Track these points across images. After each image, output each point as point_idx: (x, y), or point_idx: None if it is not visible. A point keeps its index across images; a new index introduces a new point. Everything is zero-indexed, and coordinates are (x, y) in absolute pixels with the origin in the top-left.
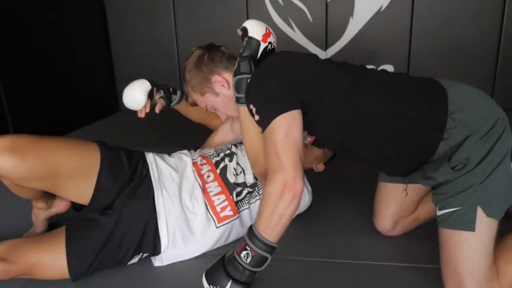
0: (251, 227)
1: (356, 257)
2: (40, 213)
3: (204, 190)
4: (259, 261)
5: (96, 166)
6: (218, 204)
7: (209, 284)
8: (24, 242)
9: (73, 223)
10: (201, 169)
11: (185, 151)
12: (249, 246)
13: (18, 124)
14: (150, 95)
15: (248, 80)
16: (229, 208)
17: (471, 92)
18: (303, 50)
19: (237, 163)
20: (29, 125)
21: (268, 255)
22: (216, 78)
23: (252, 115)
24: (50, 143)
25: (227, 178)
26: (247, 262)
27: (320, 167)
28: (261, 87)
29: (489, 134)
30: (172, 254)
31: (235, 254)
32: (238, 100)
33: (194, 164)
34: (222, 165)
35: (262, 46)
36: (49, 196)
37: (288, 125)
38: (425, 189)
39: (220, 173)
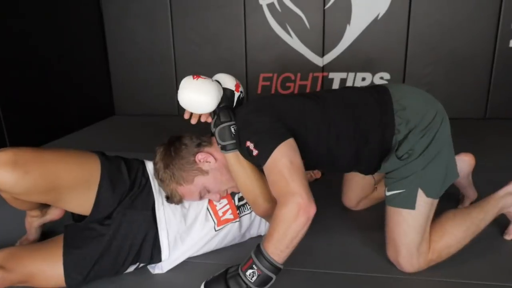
0: (258, 247)
1: (352, 268)
2: (34, 221)
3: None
4: (264, 280)
5: (97, 178)
6: (220, 209)
7: None
8: (22, 250)
9: (71, 231)
10: None
11: None
12: (256, 265)
13: (13, 126)
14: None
15: (231, 127)
16: (230, 211)
17: (410, 91)
18: (300, 56)
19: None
20: (25, 128)
21: (274, 276)
22: (199, 156)
23: (249, 152)
24: (51, 155)
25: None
26: (252, 281)
27: (316, 174)
28: (254, 123)
29: (428, 127)
30: (171, 259)
31: (240, 271)
32: (224, 148)
33: None
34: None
35: (236, 95)
36: (43, 205)
37: (290, 152)
38: (380, 174)
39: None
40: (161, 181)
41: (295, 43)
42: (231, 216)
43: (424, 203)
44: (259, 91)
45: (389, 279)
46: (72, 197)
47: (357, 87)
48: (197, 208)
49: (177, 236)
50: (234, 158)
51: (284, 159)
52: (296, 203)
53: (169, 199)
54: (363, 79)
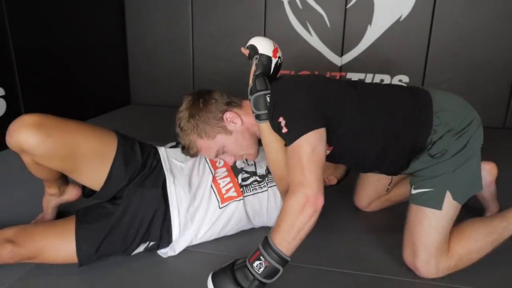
0: (266, 238)
1: (359, 268)
2: (51, 200)
3: (213, 178)
4: (271, 272)
5: (112, 152)
6: (223, 187)
7: (215, 287)
8: (33, 227)
9: (83, 210)
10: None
11: None
12: (263, 256)
13: (31, 112)
14: None
15: (267, 96)
16: (233, 189)
17: (450, 96)
18: (319, 54)
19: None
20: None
21: (281, 268)
22: (227, 115)
23: (279, 128)
24: (73, 125)
25: (235, 164)
26: (259, 272)
27: (332, 180)
28: (291, 100)
29: (465, 130)
30: (182, 240)
31: (247, 262)
32: (258, 117)
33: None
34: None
35: (274, 61)
36: (62, 182)
37: (316, 142)
38: (399, 177)
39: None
40: (181, 130)
41: (314, 41)
42: (235, 194)
43: (450, 205)
44: None
45: (397, 281)
46: (87, 168)
47: (395, 84)
48: (203, 187)
49: (187, 215)
50: (267, 128)
51: (308, 147)
52: (305, 195)
53: (185, 149)
54: (381, 80)
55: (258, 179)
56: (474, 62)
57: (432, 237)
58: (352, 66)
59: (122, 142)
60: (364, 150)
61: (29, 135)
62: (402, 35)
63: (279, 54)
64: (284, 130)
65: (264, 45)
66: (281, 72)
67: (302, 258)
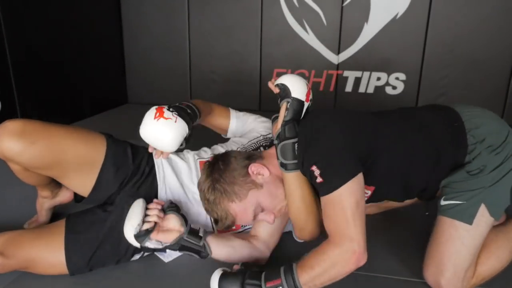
0: (291, 269)
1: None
2: (45, 202)
3: None
4: None
5: (101, 157)
6: None
7: None
8: (22, 236)
9: (73, 217)
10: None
11: (202, 150)
12: None
13: (27, 112)
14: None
15: (296, 144)
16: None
17: (477, 111)
18: (315, 53)
19: None
20: (38, 113)
21: None
22: (252, 167)
23: (312, 177)
24: (59, 130)
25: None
26: None
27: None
28: (324, 145)
29: (502, 145)
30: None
31: (263, 284)
32: (285, 167)
33: (201, 163)
34: None
35: (306, 105)
36: (55, 185)
37: (357, 191)
38: None
39: None
40: (208, 202)
41: (311, 39)
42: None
43: (485, 221)
44: None
45: (395, 280)
46: (76, 174)
47: (417, 107)
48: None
49: None
50: (293, 178)
51: (351, 198)
52: (352, 250)
53: (218, 222)
54: (378, 78)
55: None
56: (471, 59)
57: (463, 258)
58: (349, 64)
59: (112, 146)
60: (407, 182)
61: (11, 143)
62: (398, 33)
63: (311, 96)
64: (319, 180)
65: (297, 88)
66: (277, 70)
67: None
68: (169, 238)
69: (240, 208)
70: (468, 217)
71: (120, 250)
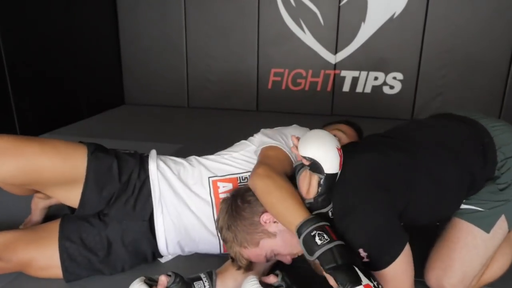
0: None
1: None
2: (39, 202)
3: (216, 204)
4: None
5: (82, 176)
6: None
7: None
8: (18, 240)
9: (66, 223)
10: (219, 187)
11: (209, 161)
12: None
13: (23, 113)
14: None
15: (329, 212)
16: None
17: (502, 125)
18: (312, 53)
19: None
20: (35, 114)
21: None
22: (264, 217)
23: (359, 257)
24: (33, 147)
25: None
26: None
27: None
28: (365, 224)
29: None
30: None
31: None
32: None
33: (214, 183)
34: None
35: (338, 174)
36: None
37: (410, 262)
38: None
39: (239, 182)
40: (225, 241)
41: (308, 39)
42: None
43: (502, 233)
44: (269, 86)
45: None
46: (59, 190)
47: (441, 121)
48: (202, 223)
49: (177, 245)
50: None
51: (404, 274)
52: None
53: (234, 261)
54: (376, 78)
55: None
56: (468, 59)
57: (474, 267)
58: (346, 64)
59: (93, 163)
60: (440, 210)
61: None
62: (396, 32)
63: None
64: (366, 260)
65: (330, 162)
66: (274, 70)
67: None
68: None
69: (252, 253)
70: (486, 225)
71: (117, 266)
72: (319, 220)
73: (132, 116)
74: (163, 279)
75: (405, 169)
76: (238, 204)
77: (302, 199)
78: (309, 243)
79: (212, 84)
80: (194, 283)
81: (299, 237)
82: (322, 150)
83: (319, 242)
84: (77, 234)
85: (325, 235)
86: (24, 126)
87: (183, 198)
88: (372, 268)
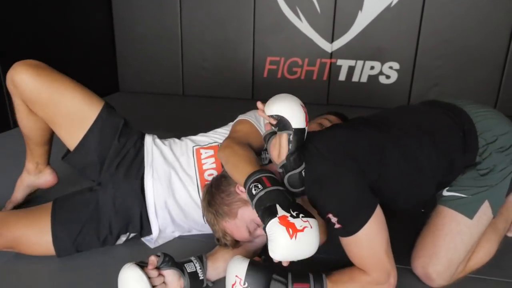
0: (321, 279)
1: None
2: (25, 178)
3: (199, 172)
4: None
5: (91, 119)
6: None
7: (245, 281)
8: (9, 215)
9: (60, 199)
10: (201, 154)
11: (196, 137)
12: None
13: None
14: None
15: (303, 172)
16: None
17: (486, 112)
18: (309, 41)
19: None
20: None
21: None
22: (240, 186)
23: (330, 223)
24: (67, 79)
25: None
26: None
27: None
28: (333, 189)
29: None
30: (162, 234)
31: (290, 284)
32: (296, 195)
33: (197, 151)
34: None
35: (306, 130)
36: (42, 158)
37: (381, 226)
38: None
39: None
40: (209, 224)
41: (304, 27)
42: None
43: (486, 219)
44: (265, 75)
45: None
46: (66, 124)
47: (421, 107)
48: (189, 188)
49: (164, 207)
50: (304, 204)
51: (378, 236)
52: (389, 284)
53: (220, 241)
54: (372, 67)
55: None
56: (465, 49)
57: (459, 253)
58: (343, 53)
59: (104, 115)
60: (416, 191)
61: (22, 70)
62: (392, 21)
63: (307, 116)
64: (338, 226)
65: (296, 117)
66: (270, 58)
67: None
68: None
69: (233, 226)
70: (470, 211)
71: (104, 229)
72: (260, 173)
73: (126, 103)
74: (153, 259)
75: (376, 144)
76: (216, 181)
77: (266, 167)
78: (250, 197)
79: (207, 72)
80: (185, 264)
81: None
82: (287, 106)
83: (254, 192)
84: (69, 205)
85: (259, 185)
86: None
87: (172, 165)
88: (346, 233)
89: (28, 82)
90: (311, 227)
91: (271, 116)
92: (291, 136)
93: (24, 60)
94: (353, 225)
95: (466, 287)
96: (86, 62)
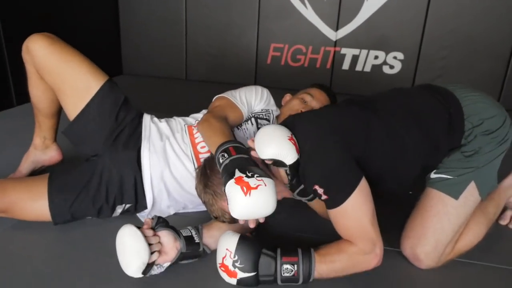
0: (310, 253)
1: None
2: (31, 154)
3: (192, 144)
4: (291, 281)
5: (95, 90)
6: (203, 153)
7: (236, 251)
8: (6, 181)
9: (57, 169)
10: (193, 129)
11: (187, 118)
12: (297, 267)
13: (20, 83)
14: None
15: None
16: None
17: (475, 95)
18: (313, 28)
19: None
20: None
21: (300, 282)
22: None
23: (317, 194)
24: (76, 52)
25: None
26: (282, 275)
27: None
28: (320, 163)
29: (499, 130)
30: (158, 208)
31: (279, 258)
32: (309, 200)
33: (189, 127)
34: None
35: (298, 158)
36: (49, 133)
37: (366, 198)
38: None
39: None
40: (205, 204)
41: (309, 14)
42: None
43: (473, 201)
44: (268, 61)
45: None
46: (71, 92)
47: (412, 90)
48: (184, 161)
49: (160, 184)
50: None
51: (363, 207)
52: (375, 254)
53: (218, 219)
54: (376, 57)
55: None
56: (470, 40)
57: (446, 234)
58: (347, 41)
59: (107, 87)
60: (401, 172)
61: (38, 38)
62: (398, 11)
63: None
64: (324, 197)
65: (288, 155)
66: (274, 45)
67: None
68: (169, 257)
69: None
70: (456, 192)
71: (100, 197)
72: (228, 143)
73: (129, 86)
74: (147, 220)
75: (362, 122)
76: (209, 163)
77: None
78: (218, 165)
79: (211, 56)
80: (180, 230)
81: None
82: (277, 147)
83: (221, 161)
84: (66, 172)
85: (226, 154)
86: (21, 95)
87: (168, 139)
88: (333, 205)
89: (41, 49)
90: (265, 185)
91: (265, 160)
92: (287, 170)
93: (41, 32)
94: (339, 196)
95: (457, 271)
96: (91, 45)
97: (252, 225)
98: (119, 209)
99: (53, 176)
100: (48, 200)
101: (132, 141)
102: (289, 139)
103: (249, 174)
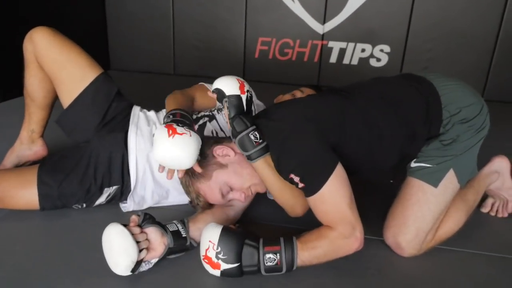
0: (292, 242)
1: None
2: (17, 147)
3: None
4: (274, 270)
5: (90, 80)
6: None
7: (220, 242)
8: None
9: (47, 157)
10: None
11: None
12: (280, 256)
13: (2, 77)
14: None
15: (251, 135)
16: None
17: (454, 85)
18: (301, 22)
19: (220, 129)
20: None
21: (284, 271)
22: (217, 150)
23: (293, 183)
24: (76, 45)
25: (203, 134)
26: (266, 265)
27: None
28: (295, 150)
29: (476, 118)
30: (141, 194)
31: (261, 248)
32: (249, 158)
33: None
34: (201, 122)
35: (243, 97)
36: (38, 125)
37: (343, 183)
38: None
39: (198, 129)
40: (183, 186)
41: (296, 8)
42: None
43: (452, 188)
44: (256, 55)
45: None
46: (67, 80)
47: (392, 79)
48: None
49: (146, 167)
50: (261, 165)
51: (340, 191)
52: (355, 237)
53: (193, 203)
54: (363, 50)
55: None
56: (456, 33)
57: (427, 222)
58: (334, 34)
59: (101, 78)
60: (378, 159)
61: (42, 29)
62: (384, 4)
63: (246, 87)
64: (301, 185)
65: (229, 85)
66: (262, 39)
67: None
68: (158, 253)
69: (206, 187)
70: (435, 180)
71: (88, 177)
72: (177, 110)
73: (117, 81)
74: (134, 217)
75: (337, 108)
76: None
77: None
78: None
79: (199, 51)
80: (167, 225)
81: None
82: (222, 79)
83: (165, 120)
84: (56, 156)
85: (171, 116)
86: (5, 91)
87: (155, 124)
88: (310, 192)
89: (43, 38)
90: (190, 136)
91: (213, 92)
92: (227, 103)
93: (47, 27)
94: (315, 183)
95: (439, 258)
96: (77, 40)
97: (169, 176)
98: (106, 193)
99: (42, 162)
100: (37, 180)
101: (120, 126)
102: (238, 79)
103: (180, 125)
